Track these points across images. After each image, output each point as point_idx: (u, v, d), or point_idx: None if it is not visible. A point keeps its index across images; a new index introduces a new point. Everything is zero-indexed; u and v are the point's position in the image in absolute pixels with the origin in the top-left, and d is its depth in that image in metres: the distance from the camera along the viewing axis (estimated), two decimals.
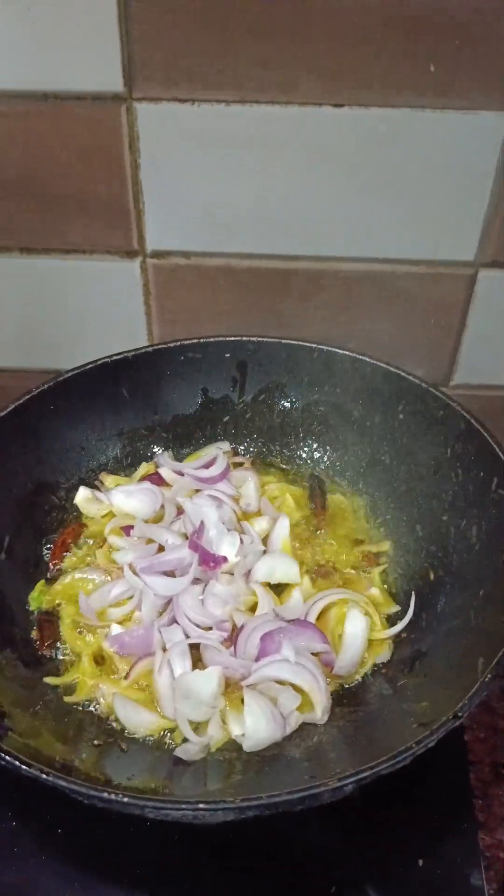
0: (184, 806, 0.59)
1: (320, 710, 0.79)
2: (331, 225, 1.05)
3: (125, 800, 0.59)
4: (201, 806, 0.59)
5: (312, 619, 0.85)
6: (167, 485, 0.99)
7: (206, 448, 1.05)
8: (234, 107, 0.97)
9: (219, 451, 1.01)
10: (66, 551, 0.94)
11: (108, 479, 1.01)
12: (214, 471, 0.97)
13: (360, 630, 0.83)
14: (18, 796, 0.81)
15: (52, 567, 0.92)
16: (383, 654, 0.85)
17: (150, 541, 0.91)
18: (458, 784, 0.85)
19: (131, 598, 0.86)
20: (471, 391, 1.22)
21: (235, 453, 1.06)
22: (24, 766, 0.63)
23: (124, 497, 0.95)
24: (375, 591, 0.89)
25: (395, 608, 0.89)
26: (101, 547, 0.93)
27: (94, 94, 0.96)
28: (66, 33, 0.92)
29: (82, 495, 0.97)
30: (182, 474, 0.99)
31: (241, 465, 1.03)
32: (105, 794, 0.59)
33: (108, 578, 0.89)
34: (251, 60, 0.93)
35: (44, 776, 0.61)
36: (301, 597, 0.86)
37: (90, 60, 0.94)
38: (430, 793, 0.83)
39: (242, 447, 1.07)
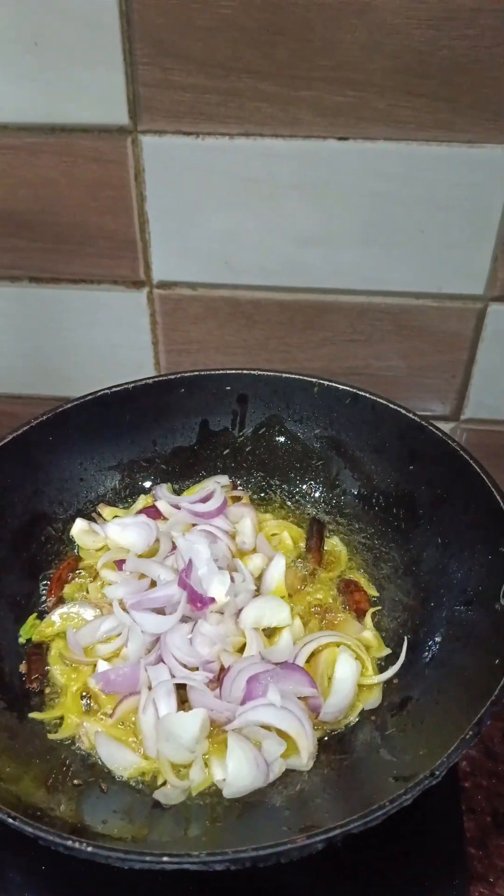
0: (148, 858, 0.58)
1: (306, 757, 0.77)
2: (335, 258, 1.05)
3: (89, 849, 0.58)
4: (165, 859, 0.58)
5: (301, 661, 0.83)
6: (165, 518, 0.99)
7: (205, 481, 1.04)
8: (238, 140, 0.97)
9: (217, 486, 1.00)
10: (64, 585, 0.93)
11: (106, 511, 1.01)
12: (211, 505, 0.96)
13: (351, 675, 0.81)
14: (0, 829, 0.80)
15: (48, 602, 0.92)
16: (373, 699, 0.83)
17: (142, 576, 0.91)
18: (450, 833, 0.82)
19: (120, 634, 0.85)
20: (481, 426, 1.20)
21: (234, 487, 1.05)
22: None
23: (119, 530, 0.95)
24: (368, 635, 0.87)
25: (387, 651, 0.87)
26: (94, 580, 0.93)
27: (100, 126, 0.98)
28: (72, 68, 0.94)
29: (79, 527, 0.97)
30: (179, 508, 0.98)
31: (239, 499, 1.02)
32: (69, 843, 0.58)
33: (99, 613, 0.89)
34: (254, 97, 0.94)
35: (9, 820, 0.60)
36: (290, 638, 0.85)
37: (96, 94, 0.95)
38: (421, 841, 0.80)
39: (241, 481, 1.06)
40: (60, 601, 0.91)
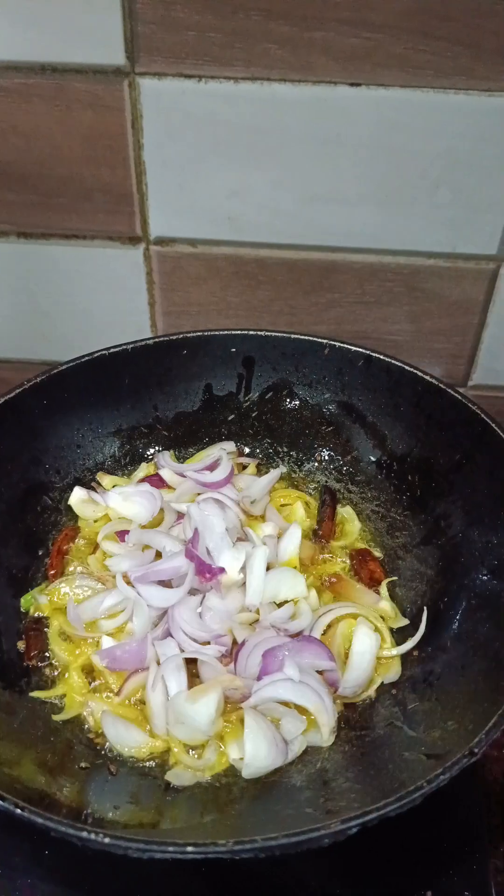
0: (171, 848, 0.54)
1: (326, 733, 0.73)
2: (344, 214, 1.00)
3: (106, 840, 0.54)
4: (189, 849, 0.53)
5: (318, 634, 0.79)
6: (168, 487, 0.93)
7: (209, 448, 0.99)
8: (244, 85, 0.91)
9: (223, 453, 0.95)
10: (63, 557, 0.88)
11: (105, 480, 0.95)
12: (219, 475, 0.91)
13: (370, 648, 0.77)
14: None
15: (48, 575, 0.87)
16: (392, 673, 0.79)
17: (146, 547, 0.86)
18: (468, 810, 0.79)
19: (124, 609, 0.81)
20: (489, 392, 1.16)
21: (241, 453, 1.00)
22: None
23: (121, 500, 0.90)
24: (385, 605, 0.84)
25: (404, 622, 0.84)
26: (93, 552, 0.88)
27: (94, 67, 0.91)
28: (64, 1, 0.86)
29: (77, 496, 0.92)
30: (183, 476, 0.93)
31: (245, 467, 0.97)
32: (84, 834, 0.54)
33: (101, 586, 0.84)
34: (262, 38, 0.88)
35: (17, 811, 0.55)
36: (306, 610, 0.81)
37: (90, 30, 0.89)
38: (438, 819, 0.77)
39: (248, 448, 1.02)
40: (60, 574, 0.86)
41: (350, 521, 0.92)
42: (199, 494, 0.91)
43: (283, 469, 0.98)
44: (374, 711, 0.77)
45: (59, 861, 0.74)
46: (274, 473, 0.94)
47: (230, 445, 0.99)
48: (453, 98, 0.90)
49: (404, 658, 0.80)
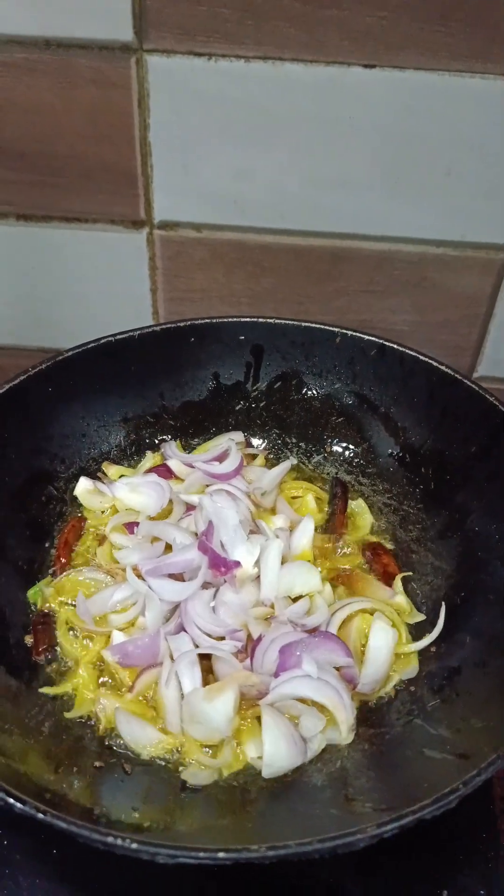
0: (202, 854, 0.52)
1: (345, 729, 0.72)
2: (353, 199, 0.98)
3: (133, 846, 0.52)
4: (221, 854, 0.52)
5: (334, 629, 0.78)
6: (175, 478, 0.91)
7: (217, 438, 0.97)
8: (255, 64, 0.89)
9: (231, 443, 0.92)
10: (72, 549, 0.86)
11: (111, 470, 0.93)
12: (228, 466, 0.89)
13: (387, 643, 0.76)
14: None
15: (56, 568, 0.84)
16: (410, 669, 0.78)
17: (155, 539, 0.83)
18: (483, 809, 0.78)
19: (135, 603, 0.78)
20: (494, 385, 1.15)
21: (248, 444, 0.98)
22: (11, 799, 0.55)
23: (128, 490, 0.87)
24: (400, 599, 0.82)
25: (420, 618, 0.82)
26: (101, 544, 0.85)
27: (100, 43, 0.88)
28: None
29: (83, 486, 0.89)
30: (192, 467, 0.90)
31: (254, 457, 0.95)
32: (110, 839, 0.52)
33: (110, 579, 0.81)
34: (275, 15, 0.86)
35: (39, 815, 0.53)
36: (324, 604, 0.79)
37: (97, 4, 0.85)
38: (453, 818, 0.76)
39: (257, 440, 0.99)
40: (68, 566, 0.83)
41: (362, 514, 0.91)
42: (207, 486, 0.88)
43: (293, 461, 0.95)
44: (392, 709, 0.75)
45: (66, 859, 0.71)
46: (284, 465, 0.92)
47: (238, 436, 0.97)
48: (468, 82, 0.88)
49: (422, 655, 0.78)
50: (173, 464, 0.91)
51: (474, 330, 1.10)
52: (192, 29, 0.87)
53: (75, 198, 1.00)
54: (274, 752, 0.68)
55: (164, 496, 0.86)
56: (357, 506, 0.92)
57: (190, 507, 0.87)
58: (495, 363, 1.14)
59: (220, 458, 0.91)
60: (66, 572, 0.82)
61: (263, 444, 1.00)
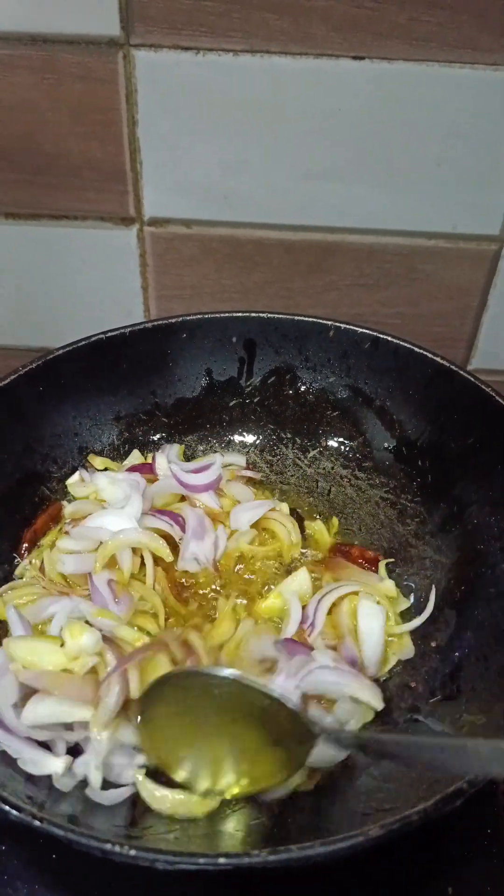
0: (202, 860, 0.50)
1: (377, 703, 0.72)
2: (343, 192, 0.97)
3: (132, 853, 0.50)
4: (222, 860, 0.50)
5: (323, 615, 0.78)
6: (156, 477, 0.90)
7: (210, 456, 0.96)
8: (243, 57, 0.88)
9: (217, 458, 0.92)
10: (37, 541, 0.84)
11: (97, 461, 0.92)
12: (202, 479, 0.87)
13: (376, 621, 0.76)
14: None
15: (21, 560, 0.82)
16: (406, 650, 0.78)
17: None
18: (488, 806, 0.77)
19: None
20: (488, 377, 1.13)
21: (249, 467, 0.98)
22: (7, 806, 0.54)
23: (108, 482, 0.86)
24: (388, 584, 0.82)
25: (407, 604, 0.82)
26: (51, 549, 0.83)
27: (87, 38, 0.87)
28: None
29: (75, 479, 0.89)
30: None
31: (253, 480, 0.95)
32: (108, 847, 0.50)
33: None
34: (261, 6, 0.85)
35: (35, 822, 0.52)
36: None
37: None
38: (458, 815, 0.75)
39: (251, 435, 0.99)
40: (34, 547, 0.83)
41: (321, 531, 0.90)
42: (182, 499, 0.88)
43: (273, 503, 0.91)
44: (393, 706, 0.74)
45: (65, 865, 0.70)
46: (264, 505, 0.90)
47: (241, 459, 0.96)
48: (458, 72, 0.88)
49: (422, 651, 0.78)
50: (160, 464, 0.89)
51: (467, 322, 1.10)
52: (179, 23, 0.86)
53: (63, 195, 0.99)
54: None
55: (137, 493, 0.85)
56: (316, 526, 0.91)
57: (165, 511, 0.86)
58: (490, 355, 1.13)
59: (199, 471, 0.90)
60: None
61: (258, 440, 0.99)
